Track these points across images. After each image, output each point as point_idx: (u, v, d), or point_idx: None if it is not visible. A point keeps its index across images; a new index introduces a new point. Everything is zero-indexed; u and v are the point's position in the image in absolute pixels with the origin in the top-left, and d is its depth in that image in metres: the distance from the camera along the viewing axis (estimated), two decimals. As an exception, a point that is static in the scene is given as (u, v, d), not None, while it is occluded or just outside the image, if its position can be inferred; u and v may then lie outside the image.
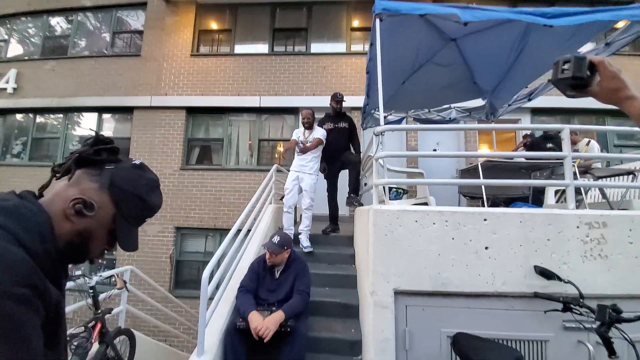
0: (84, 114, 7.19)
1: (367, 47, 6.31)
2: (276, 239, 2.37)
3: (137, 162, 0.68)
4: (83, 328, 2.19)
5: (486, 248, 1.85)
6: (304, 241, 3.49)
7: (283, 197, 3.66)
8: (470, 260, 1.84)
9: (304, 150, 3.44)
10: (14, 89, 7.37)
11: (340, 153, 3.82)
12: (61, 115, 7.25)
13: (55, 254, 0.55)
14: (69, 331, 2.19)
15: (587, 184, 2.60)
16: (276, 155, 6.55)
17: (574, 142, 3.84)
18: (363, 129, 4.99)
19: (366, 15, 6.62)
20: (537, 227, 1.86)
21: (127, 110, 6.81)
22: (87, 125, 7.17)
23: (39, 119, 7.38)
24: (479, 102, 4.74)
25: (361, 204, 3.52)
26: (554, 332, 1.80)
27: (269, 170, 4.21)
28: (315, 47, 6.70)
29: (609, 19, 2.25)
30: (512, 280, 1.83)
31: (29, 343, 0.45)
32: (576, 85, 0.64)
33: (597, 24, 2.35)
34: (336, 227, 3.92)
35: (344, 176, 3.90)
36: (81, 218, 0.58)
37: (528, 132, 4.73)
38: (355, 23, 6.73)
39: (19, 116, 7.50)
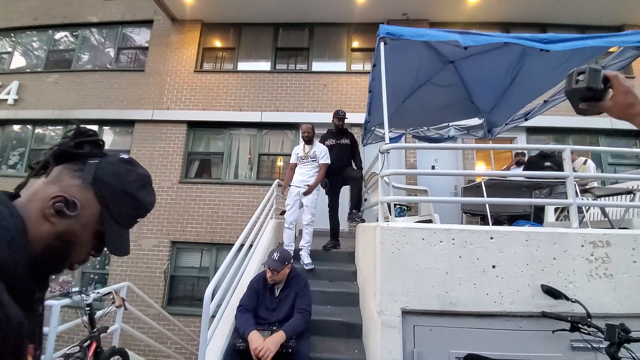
0: (84, 126, 7.19)
1: (367, 67, 6.54)
2: (276, 255, 2.33)
3: (126, 156, 0.60)
4: (78, 348, 2.10)
5: (493, 267, 1.85)
6: (305, 258, 3.45)
7: (283, 212, 3.65)
8: (477, 279, 1.83)
9: (307, 193, 3.50)
10: (15, 100, 7.39)
11: (342, 169, 3.85)
12: (61, 127, 7.25)
13: (26, 263, 0.48)
14: (63, 351, 2.10)
15: (589, 203, 2.64)
16: (275, 170, 6.57)
17: (571, 161, 3.92)
18: (364, 145, 5.06)
19: (366, 36, 6.87)
20: (542, 245, 1.87)
21: (129, 124, 6.85)
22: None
23: (38, 130, 7.37)
24: (477, 121, 4.87)
25: (363, 220, 3.52)
26: (563, 353, 1.78)
27: (268, 185, 4.23)
28: (317, 66, 6.88)
29: (603, 45, 2.36)
30: (520, 300, 1.82)
31: None
32: (589, 97, 0.63)
33: (591, 49, 2.47)
34: (337, 242, 3.90)
35: (345, 192, 3.92)
36: (62, 219, 0.52)
37: (519, 151, 4.84)
38: (355, 44, 6.96)
39: (18, 127, 7.49)
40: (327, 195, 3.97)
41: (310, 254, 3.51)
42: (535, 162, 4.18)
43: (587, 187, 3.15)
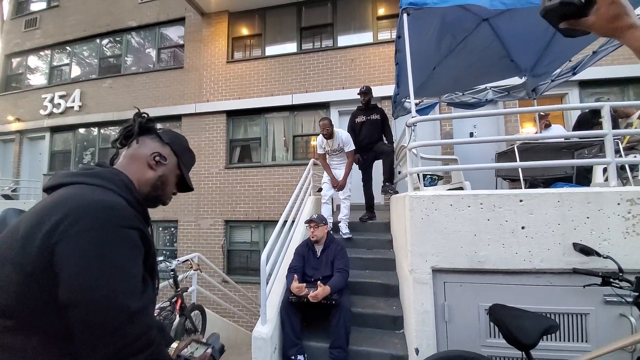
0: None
1: (394, 35, 6.27)
2: (315, 215, 2.84)
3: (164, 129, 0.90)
4: (168, 303, 2.67)
5: (522, 228, 1.93)
6: (344, 228, 3.74)
7: (320, 189, 3.93)
8: (506, 240, 1.94)
9: (340, 189, 3.71)
10: (80, 106, 8.48)
11: (374, 144, 3.97)
12: (120, 127, 8.20)
13: (140, 202, 0.75)
14: (158, 305, 2.69)
15: (629, 161, 2.48)
16: (310, 150, 6.84)
17: (627, 115, 3.58)
18: (394, 119, 5.05)
19: (391, 1, 6.54)
20: (575, 205, 1.90)
21: (176, 118, 7.55)
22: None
23: (103, 131, 8.44)
24: (518, 80, 4.55)
25: (396, 192, 3.67)
26: (595, 306, 1.86)
27: (304, 164, 4.49)
28: (342, 41, 6.79)
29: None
30: (550, 257, 1.90)
31: (139, 265, 0.63)
32: (569, 14, 0.55)
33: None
34: (373, 214, 4.11)
35: (378, 166, 4.06)
36: (159, 166, 0.81)
37: (543, 113, 4.46)
38: (381, 11, 6.68)
39: (85, 130, 8.61)
40: (360, 170, 4.15)
41: (348, 225, 3.79)
42: (587, 119, 3.87)
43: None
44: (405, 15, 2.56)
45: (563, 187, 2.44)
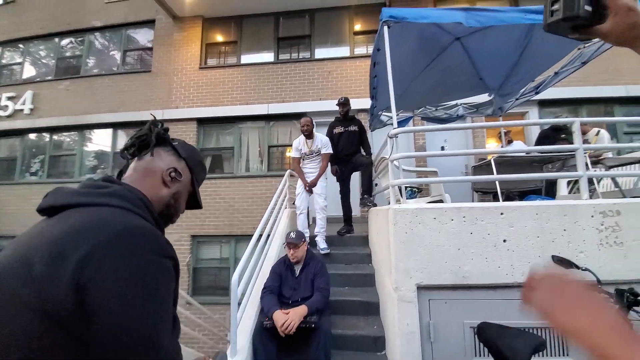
0: (99, 130, 7.45)
1: (370, 50, 6.44)
2: (293, 234, 2.59)
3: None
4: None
5: (504, 241, 1.92)
6: (321, 243, 3.58)
7: (294, 201, 3.77)
8: (489, 253, 1.91)
9: (312, 185, 3.57)
10: (31, 109, 7.66)
11: (352, 156, 3.91)
12: (76, 133, 7.51)
13: (160, 224, 0.70)
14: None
15: (599, 174, 2.63)
16: (286, 161, 6.68)
17: (583, 132, 3.84)
18: (371, 131, 5.08)
19: (368, 19, 6.74)
20: (552, 218, 1.93)
21: (141, 124, 6.91)
22: (102, 141, 7.42)
23: (55, 137, 7.66)
24: (485, 98, 4.79)
25: (375, 204, 3.61)
26: (575, 320, 1.85)
27: (279, 176, 4.32)
28: (320, 53, 6.84)
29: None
30: (531, 271, 1.89)
31: (173, 299, 0.57)
32: (579, 25, 0.51)
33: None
34: (351, 228, 4.01)
35: (355, 178, 4.00)
36: (174, 183, 0.74)
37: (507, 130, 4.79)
38: (358, 27, 6.85)
39: (36, 136, 7.78)
40: (338, 182, 4.06)
41: (325, 239, 3.64)
42: (548, 135, 4.13)
43: (601, 157, 3.13)
44: (385, 27, 2.57)
45: (536, 200, 2.51)
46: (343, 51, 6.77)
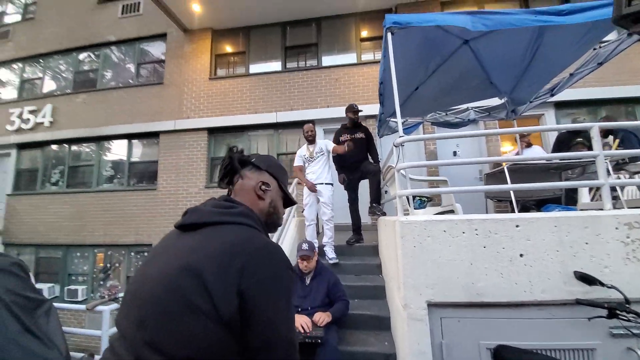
0: (115, 141, 7.68)
1: (377, 56, 6.41)
2: (305, 245, 2.58)
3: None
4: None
5: (521, 255, 1.80)
6: (329, 253, 3.52)
7: (303, 210, 3.73)
8: (504, 269, 1.80)
9: (313, 187, 3.54)
10: (51, 122, 8.00)
11: (359, 163, 3.85)
12: (94, 144, 7.77)
13: (267, 234, 0.81)
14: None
15: (622, 182, 2.47)
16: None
17: (603, 136, 3.66)
18: (380, 137, 5.01)
19: (374, 25, 6.72)
20: (573, 230, 1.80)
21: (154, 135, 7.22)
22: (118, 151, 7.64)
23: (74, 148, 7.94)
24: (498, 101, 4.64)
25: (384, 213, 3.52)
26: (601, 340, 1.72)
27: (288, 184, 4.28)
28: (327, 60, 6.85)
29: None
30: (551, 288, 1.77)
31: (293, 304, 0.67)
32: None
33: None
34: (360, 237, 3.92)
35: (364, 186, 3.92)
36: (266, 193, 0.85)
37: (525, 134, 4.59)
38: (364, 33, 6.83)
39: (55, 147, 8.09)
40: (346, 191, 3.99)
41: (334, 249, 3.57)
42: (565, 140, 3.94)
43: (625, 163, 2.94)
44: (389, 34, 2.52)
45: (555, 210, 2.37)
46: (350, 58, 6.76)
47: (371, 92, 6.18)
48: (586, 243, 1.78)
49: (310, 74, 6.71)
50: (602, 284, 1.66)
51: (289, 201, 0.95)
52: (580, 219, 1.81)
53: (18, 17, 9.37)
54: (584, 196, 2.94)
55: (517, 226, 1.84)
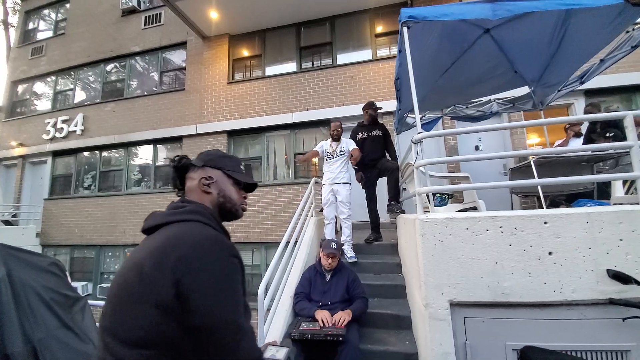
0: (141, 146, 8.08)
1: (393, 51, 6.30)
2: (334, 244, 2.64)
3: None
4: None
5: (550, 253, 1.73)
6: (348, 251, 3.53)
7: (322, 209, 3.76)
8: (532, 268, 1.73)
9: (355, 161, 3.51)
10: (82, 130, 8.53)
11: (377, 161, 3.83)
12: (122, 150, 8.21)
13: (222, 227, 0.87)
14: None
15: None
16: (311, 168, 6.70)
17: (638, 124, 3.41)
18: (397, 134, 4.93)
19: (389, 19, 6.61)
20: (606, 226, 1.70)
21: (177, 140, 7.53)
22: (145, 155, 8.03)
23: (105, 154, 8.43)
24: (522, 91, 4.43)
25: (403, 211, 3.48)
26: (636, 342, 1.61)
27: (305, 183, 4.33)
28: (342, 58, 6.82)
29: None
30: (582, 287, 1.68)
31: (242, 289, 0.72)
32: None
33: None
34: (379, 235, 3.90)
35: (382, 184, 3.89)
36: (211, 186, 0.89)
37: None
38: (379, 29, 6.74)
39: (87, 154, 8.62)
40: (364, 189, 3.98)
41: (353, 247, 3.58)
42: (596, 129, 3.71)
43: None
44: (405, 28, 2.48)
45: (587, 205, 2.25)
46: (365, 55, 6.69)
47: (387, 89, 6.10)
48: (620, 240, 1.68)
49: (325, 73, 6.71)
50: (637, 283, 1.57)
51: (246, 185, 0.97)
52: (614, 214, 1.71)
53: (50, 33, 10.05)
54: (618, 190, 2.76)
55: (545, 223, 1.76)
